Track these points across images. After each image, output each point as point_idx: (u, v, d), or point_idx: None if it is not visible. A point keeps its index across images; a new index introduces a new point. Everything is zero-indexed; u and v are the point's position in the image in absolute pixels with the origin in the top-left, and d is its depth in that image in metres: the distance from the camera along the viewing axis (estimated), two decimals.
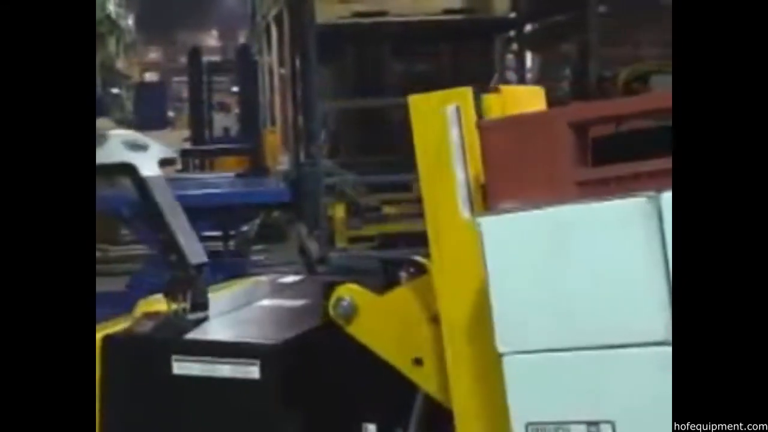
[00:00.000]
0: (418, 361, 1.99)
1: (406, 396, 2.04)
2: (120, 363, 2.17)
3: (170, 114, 22.59)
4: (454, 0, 7.00)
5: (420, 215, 6.77)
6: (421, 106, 1.89)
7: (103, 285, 2.76)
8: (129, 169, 2.46)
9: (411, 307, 2.01)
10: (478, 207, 1.82)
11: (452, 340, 1.86)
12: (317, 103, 6.66)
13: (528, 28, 8.08)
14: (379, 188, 7.40)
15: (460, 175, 1.83)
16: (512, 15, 7.40)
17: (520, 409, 1.68)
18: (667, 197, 1.58)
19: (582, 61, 6.93)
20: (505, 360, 1.69)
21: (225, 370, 2.06)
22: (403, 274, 2.14)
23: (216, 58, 21.66)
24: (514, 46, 8.26)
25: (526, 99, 2.08)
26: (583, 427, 1.64)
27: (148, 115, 18.85)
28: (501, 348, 1.69)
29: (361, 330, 2.04)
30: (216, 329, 2.25)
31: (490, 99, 1.94)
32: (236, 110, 14.27)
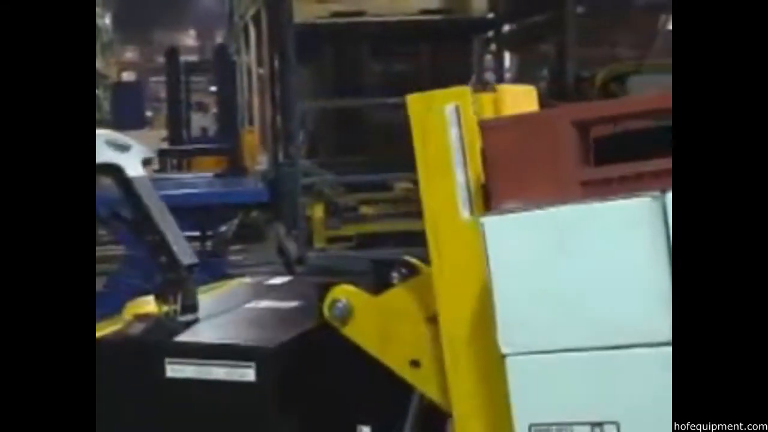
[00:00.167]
0: (414, 363, 1.99)
1: (401, 398, 2.04)
2: (112, 366, 2.15)
3: (148, 114, 22.49)
4: (431, 0, 7.01)
5: (398, 215, 6.77)
6: (419, 105, 1.88)
7: None
8: (114, 170, 2.44)
9: (407, 308, 2.01)
10: (478, 208, 1.82)
11: (452, 342, 1.86)
12: (295, 103, 6.64)
13: (506, 28, 8.10)
14: (358, 188, 7.39)
15: (459, 175, 1.83)
16: (490, 15, 7.42)
17: (524, 410, 1.69)
18: (671, 197, 1.58)
19: (560, 61, 6.95)
20: (508, 361, 1.69)
21: (220, 372, 2.05)
22: (394, 275, 2.14)
23: (194, 57, 21.58)
24: (493, 47, 8.28)
25: (520, 99, 2.08)
26: (587, 428, 1.65)
27: (126, 114, 18.72)
28: (504, 349, 1.69)
29: (357, 331, 2.04)
30: (208, 331, 2.23)
31: (484, 98, 1.93)
32: (214, 110, 14.24)
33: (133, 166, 2.46)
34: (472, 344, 1.84)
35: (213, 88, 14.35)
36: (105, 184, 2.51)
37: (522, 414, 1.70)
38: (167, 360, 2.10)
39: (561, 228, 1.66)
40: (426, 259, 2.08)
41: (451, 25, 7.37)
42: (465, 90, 1.87)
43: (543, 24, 7.47)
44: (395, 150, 7.69)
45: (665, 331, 1.61)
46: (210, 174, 8.12)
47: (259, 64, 9.03)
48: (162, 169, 10.58)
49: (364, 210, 7.38)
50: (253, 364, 2.02)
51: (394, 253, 5.43)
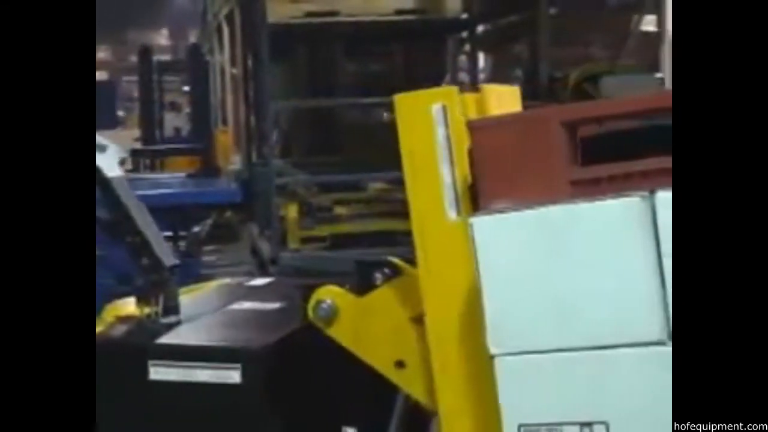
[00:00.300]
0: (400, 364, 1.98)
1: (386, 398, 2.04)
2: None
3: (120, 113, 22.33)
4: (406, 0, 7.01)
5: (372, 215, 6.73)
6: (406, 105, 1.87)
7: None
8: None
9: (393, 308, 2.00)
10: (466, 208, 1.81)
11: (439, 342, 1.86)
12: (269, 102, 6.62)
13: (480, 29, 8.12)
14: (332, 188, 7.38)
15: (446, 175, 1.82)
16: (464, 16, 7.44)
17: (513, 410, 1.68)
18: (661, 197, 1.59)
19: (533, 61, 6.98)
20: (497, 361, 1.69)
21: (204, 375, 2.04)
22: (378, 276, 2.13)
23: (167, 57, 21.46)
24: (467, 47, 8.30)
25: (505, 99, 2.08)
26: (576, 428, 1.65)
27: (99, 114, 18.58)
28: (493, 349, 1.69)
29: (342, 332, 2.03)
30: (192, 333, 2.22)
31: (469, 98, 1.93)
32: (187, 110, 14.15)
33: (110, 166, 2.44)
34: (460, 345, 1.83)
35: (186, 88, 14.26)
36: None
37: (511, 414, 1.69)
38: (150, 362, 2.08)
39: (550, 228, 1.66)
40: (406, 259, 2.07)
41: (425, 26, 7.39)
42: (452, 90, 1.87)
43: (517, 24, 7.50)
44: (369, 150, 7.73)
45: (655, 331, 1.61)
46: (183, 174, 8.08)
47: (233, 63, 9.00)
48: (135, 170, 10.51)
49: (338, 210, 7.37)
50: (238, 365, 2.01)
51: (372, 253, 5.45)
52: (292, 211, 6.81)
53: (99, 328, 2.29)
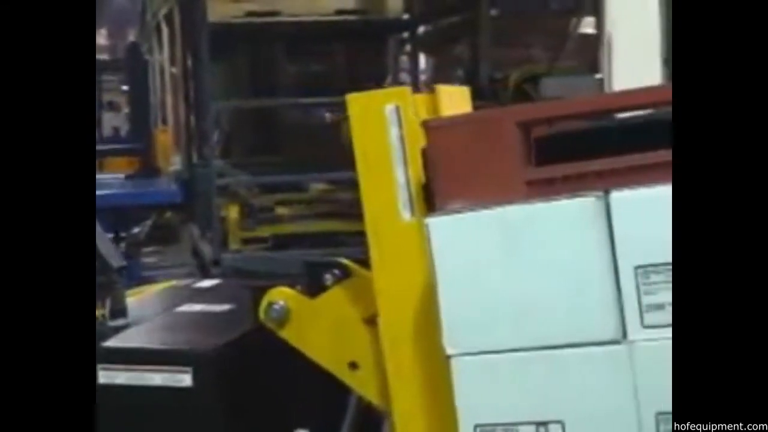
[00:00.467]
0: (353, 365, 1.97)
1: (339, 400, 2.03)
2: None
3: None
4: (347, 0, 7.02)
5: (314, 216, 6.72)
6: (359, 105, 1.86)
7: None
8: None
9: (345, 309, 1.99)
10: (420, 208, 1.81)
11: (393, 343, 1.85)
12: (209, 102, 6.60)
13: (421, 29, 8.14)
14: (273, 189, 7.36)
15: (400, 176, 1.82)
16: (405, 16, 7.46)
17: (469, 411, 1.68)
18: (616, 197, 1.60)
19: (474, 62, 7.01)
20: (453, 362, 1.69)
21: (155, 378, 2.01)
22: (328, 277, 2.12)
23: (105, 56, 21.18)
24: (408, 48, 8.31)
25: (456, 99, 2.09)
26: (532, 428, 1.65)
27: None
28: (449, 350, 1.68)
29: (294, 334, 2.01)
30: (140, 336, 2.19)
31: (419, 99, 1.93)
32: (126, 110, 14.01)
33: None
34: (415, 345, 1.83)
35: (125, 87, 14.11)
36: None
37: (467, 415, 1.69)
38: (99, 366, 2.05)
39: (506, 228, 1.66)
40: (354, 260, 2.07)
41: (366, 26, 7.39)
42: (405, 90, 1.86)
43: (458, 25, 7.53)
44: (311, 150, 7.71)
45: (609, 330, 1.63)
46: (122, 175, 8.00)
47: (173, 63, 8.92)
48: None
49: (280, 211, 7.34)
50: (189, 369, 1.98)
51: (315, 254, 5.43)
52: (233, 212, 6.77)
53: None
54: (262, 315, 2.02)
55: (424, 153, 1.82)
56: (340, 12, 7.03)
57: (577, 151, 1.76)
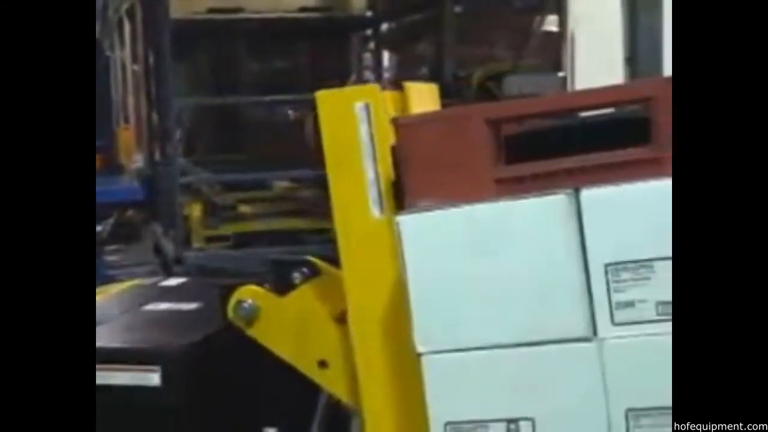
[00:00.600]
0: (322, 363, 1.97)
1: (308, 398, 2.02)
2: None
3: None
4: None
5: (277, 214, 6.69)
6: (329, 102, 1.85)
7: None
8: None
9: (313, 308, 1.99)
10: (389, 206, 1.81)
11: (363, 341, 1.85)
12: (172, 100, 6.54)
13: (385, 27, 8.13)
14: (236, 187, 7.32)
15: (370, 173, 1.82)
16: (369, 14, 7.44)
17: (439, 408, 1.69)
18: (586, 194, 1.61)
19: (438, 60, 7.02)
20: (424, 359, 1.69)
21: (123, 377, 1.99)
22: (296, 275, 2.11)
23: None
24: (371, 45, 8.30)
25: (425, 97, 2.09)
26: (502, 425, 1.66)
27: None
28: (419, 347, 1.69)
29: (263, 332, 2.01)
30: (107, 335, 2.17)
31: (388, 96, 1.93)
32: None
33: None
34: (385, 343, 1.83)
35: None
36: None
37: (437, 412, 1.69)
38: None
39: (477, 226, 1.66)
40: (321, 257, 2.06)
41: (329, 23, 7.36)
42: (375, 87, 1.86)
43: (421, 23, 7.52)
44: (274, 148, 7.67)
45: (579, 328, 1.64)
46: None
47: (134, 60, 8.85)
48: None
49: (243, 209, 7.30)
50: (158, 368, 1.97)
51: (278, 252, 5.41)
52: (196, 210, 6.72)
53: None
54: (230, 313, 2.02)
55: (394, 150, 1.82)
56: (303, 9, 7.00)
57: (547, 149, 1.77)
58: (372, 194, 1.83)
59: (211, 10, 6.91)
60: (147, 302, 2.44)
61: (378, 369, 1.85)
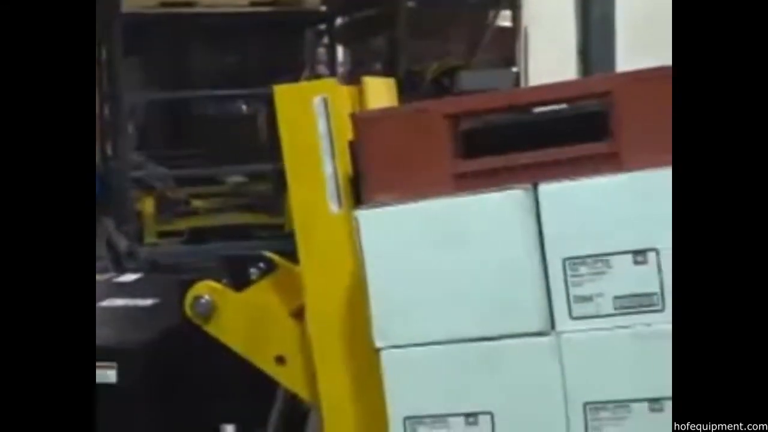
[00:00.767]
0: (280, 359, 1.96)
1: (266, 394, 2.02)
2: None
3: None
4: None
5: (230, 209, 6.67)
6: (287, 97, 1.85)
7: None
8: None
9: (271, 303, 1.99)
10: (347, 201, 1.81)
11: (321, 336, 1.85)
12: (123, 95, 6.50)
13: (339, 21, 8.11)
14: (188, 182, 7.27)
15: (328, 168, 1.82)
16: (323, 8, 7.41)
17: (398, 403, 1.69)
18: (544, 189, 1.62)
19: (392, 55, 7.02)
20: (383, 354, 1.69)
21: None
22: (253, 271, 2.10)
23: None
24: (325, 40, 8.28)
25: (382, 92, 2.09)
26: (461, 419, 1.66)
27: None
28: (378, 342, 1.69)
29: (221, 328, 2.00)
30: None
31: (345, 91, 1.93)
32: None
33: None
34: (343, 338, 1.83)
35: None
36: None
37: (396, 407, 1.70)
38: None
39: (435, 221, 1.67)
40: (278, 252, 2.06)
41: (283, 17, 7.33)
42: (333, 82, 1.86)
43: (375, 18, 7.52)
44: (226, 143, 7.62)
45: (537, 322, 1.64)
46: None
47: None
48: None
49: (196, 204, 7.26)
50: (114, 365, 1.95)
51: (233, 247, 5.39)
52: (148, 205, 6.67)
53: None
54: (188, 309, 2.01)
55: (353, 145, 1.82)
56: (255, 3, 6.96)
57: (504, 144, 1.77)
58: (330, 189, 1.82)
59: (163, 4, 6.85)
60: (102, 298, 2.41)
61: (336, 364, 1.84)
